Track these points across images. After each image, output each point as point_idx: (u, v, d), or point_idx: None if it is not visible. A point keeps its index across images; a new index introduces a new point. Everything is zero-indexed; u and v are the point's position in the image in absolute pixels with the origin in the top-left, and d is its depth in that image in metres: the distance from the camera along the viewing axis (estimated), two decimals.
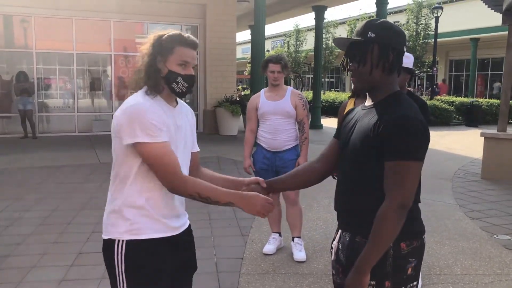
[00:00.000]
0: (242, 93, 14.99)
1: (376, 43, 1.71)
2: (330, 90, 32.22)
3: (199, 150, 2.19)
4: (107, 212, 1.95)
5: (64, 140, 11.44)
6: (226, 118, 12.97)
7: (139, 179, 1.87)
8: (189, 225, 2.09)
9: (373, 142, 1.66)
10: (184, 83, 1.90)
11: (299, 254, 4.09)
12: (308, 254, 4.18)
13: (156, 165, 1.80)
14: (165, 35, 1.91)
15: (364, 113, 1.79)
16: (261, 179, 2.07)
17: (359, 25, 1.79)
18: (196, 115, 14.00)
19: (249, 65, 19.91)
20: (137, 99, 1.86)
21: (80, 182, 6.95)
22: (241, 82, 31.47)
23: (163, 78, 1.89)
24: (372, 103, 1.78)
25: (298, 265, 3.98)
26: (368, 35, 1.72)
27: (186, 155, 2.03)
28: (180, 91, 1.91)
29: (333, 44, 25.78)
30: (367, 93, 1.82)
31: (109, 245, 1.90)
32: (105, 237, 1.93)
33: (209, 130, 13.40)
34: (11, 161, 8.69)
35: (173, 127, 1.90)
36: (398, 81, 3.52)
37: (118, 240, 1.87)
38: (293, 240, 4.22)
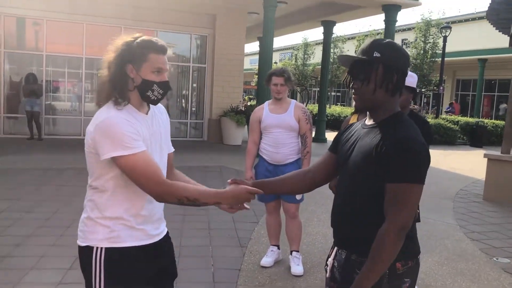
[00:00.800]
0: (248, 104, 15.05)
1: (381, 63, 1.72)
2: (336, 104, 32.30)
3: (173, 150, 2.16)
4: (84, 219, 1.92)
5: (69, 143, 11.50)
6: (231, 128, 13.01)
7: (118, 192, 1.85)
8: (167, 232, 2.09)
9: (374, 163, 1.67)
10: (159, 90, 1.86)
11: (297, 268, 4.09)
12: (306, 269, 4.17)
13: (138, 177, 1.76)
14: (135, 42, 1.84)
15: (365, 132, 1.79)
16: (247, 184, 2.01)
17: (365, 43, 1.79)
18: (201, 124, 14.07)
19: (256, 76, 20.01)
20: (108, 112, 1.80)
21: (82, 186, 6.88)
22: (245, 93, 31.60)
23: (137, 87, 1.84)
24: (374, 122, 1.79)
25: (295, 279, 3.98)
26: (374, 55, 1.72)
27: (163, 158, 2.01)
28: (155, 98, 1.87)
29: None
30: (368, 112, 1.84)
31: (86, 252, 1.88)
32: (82, 243, 1.90)
33: (213, 139, 13.44)
34: (15, 161, 8.75)
35: (148, 134, 1.88)
36: (401, 100, 3.56)
37: (97, 248, 1.86)
38: (291, 253, 4.22)
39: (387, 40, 1.80)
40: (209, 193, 1.85)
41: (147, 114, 1.93)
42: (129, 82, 1.86)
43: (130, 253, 1.88)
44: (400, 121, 1.73)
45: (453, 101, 26.98)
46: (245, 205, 1.94)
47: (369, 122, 1.82)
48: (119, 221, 1.86)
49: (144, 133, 1.86)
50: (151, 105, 1.98)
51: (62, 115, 13.16)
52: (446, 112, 23.58)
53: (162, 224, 2.05)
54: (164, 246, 2.05)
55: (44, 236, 4.69)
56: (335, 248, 1.89)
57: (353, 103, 1.85)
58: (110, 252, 1.86)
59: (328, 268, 1.91)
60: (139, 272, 1.90)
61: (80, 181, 7.60)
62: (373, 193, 1.69)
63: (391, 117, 1.76)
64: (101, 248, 1.86)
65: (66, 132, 12.71)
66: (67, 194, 6.38)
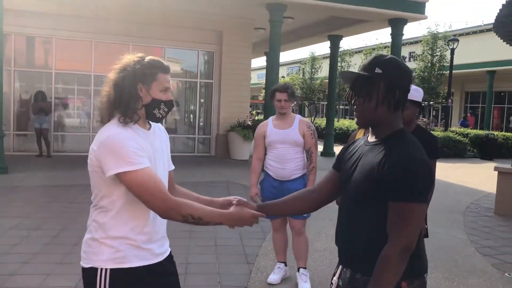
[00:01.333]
0: (256, 118, 15.07)
1: (383, 79, 1.71)
2: (345, 118, 32.26)
3: (174, 168, 2.16)
4: (87, 239, 1.91)
5: (78, 160, 11.51)
6: (238, 142, 13.02)
7: (123, 210, 1.84)
8: (170, 252, 2.09)
9: (378, 181, 1.64)
10: (165, 108, 1.91)
11: (304, 285, 4.04)
12: (313, 285, 4.11)
13: (143, 193, 1.76)
14: (145, 61, 1.87)
15: (367, 149, 1.77)
16: (244, 200, 2.03)
17: (366, 60, 1.78)
18: (209, 139, 14.10)
19: (264, 90, 20.07)
20: (112, 129, 1.82)
21: (89, 203, 6.90)
22: (251, 107, 31.70)
23: (145, 106, 1.87)
24: (376, 139, 1.77)
25: None
26: (376, 71, 1.71)
27: (165, 175, 2.02)
28: (160, 116, 1.91)
29: None
30: (370, 129, 1.82)
31: (90, 273, 1.86)
32: (86, 265, 1.88)
33: (220, 154, 13.45)
34: (24, 178, 8.81)
35: (151, 150, 1.89)
36: (407, 115, 3.54)
37: (101, 269, 1.84)
38: (298, 270, 4.17)
39: (389, 56, 1.79)
40: (214, 213, 1.86)
41: (149, 130, 1.95)
42: (138, 101, 1.88)
43: (136, 274, 1.86)
44: (403, 138, 1.71)
45: (468, 114, 26.69)
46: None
47: (371, 139, 1.81)
48: (125, 241, 1.85)
49: (148, 149, 1.87)
50: (152, 124, 1.99)
51: (71, 132, 13.26)
52: (462, 126, 23.19)
53: (166, 243, 2.05)
54: (167, 265, 2.03)
55: (50, 254, 4.69)
56: (340, 267, 1.87)
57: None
58: (115, 273, 1.84)
59: (333, 287, 1.89)
60: None
61: (88, 198, 7.53)
62: (376, 212, 1.67)
63: (394, 134, 1.74)
64: (106, 269, 1.84)
65: (75, 149, 12.78)
66: (74, 211, 6.39)
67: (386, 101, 1.71)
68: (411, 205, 1.59)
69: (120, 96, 1.85)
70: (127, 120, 1.84)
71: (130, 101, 1.85)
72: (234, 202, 1.98)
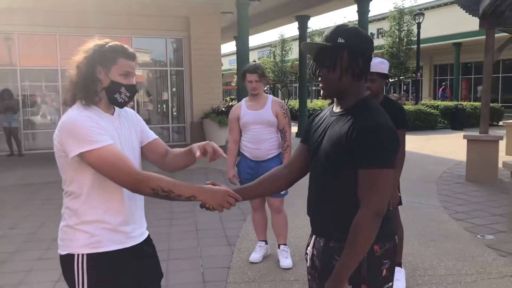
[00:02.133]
0: (230, 104, 15.05)
1: (346, 49, 1.72)
2: (318, 98, 32.45)
3: (157, 137, 2.15)
4: (62, 227, 1.91)
5: (50, 157, 11.21)
6: (213, 129, 13.00)
7: (94, 194, 1.84)
8: (148, 235, 2.09)
9: (345, 150, 1.67)
10: (126, 93, 1.90)
11: (285, 261, 4.12)
12: (295, 261, 4.20)
13: (109, 170, 1.75)
14: (107, 46, 1.89)
15: (334, 119, 1.79)
16: (230, 191, 1.93)
17: (328, 30, 1.78)
18: (183, 127, 14.02)
19: (236, 76, 20.01)
20: (71, 112, 1.84)
21: None
22: (227, 93, 31.51)
23: (105, 88, 1.88)
24: (342, 109, 1.79)
25: (284, 272, 4.00)
26: (338, 41, 1.72)
27: (136, 158, 2.00)
28: (122, 101, 1.91)
29: None
30: (335, 99, 1.85)
31: (67, 260, 1.87)
32: (62, 252, 1.89)
33: (196, 142, 13.08)
34: None
35: (116, 135, 1.89)
36: (375, 87, 3.60)
37: (78, 254, 1.85)
38: (279, 247, 4.24)
39: (350, 25, 1.81)
40: (184, 185, 1.83)
41: (113, 115, 1.95)
42: (97, 83, 1.88)
43: (112, 257, 1.87)
44: (368, 106, 1.74)
45: (444, 85, 26.18)
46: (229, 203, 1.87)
47: (337, 109, 1.83)
48: (99, 225, 1.85)
49: (111, 130, 1.86)
50: (117, 108, 1.99)
51: (41, 129, 12.98)
52: (442, 99, 23.01)
53: (143, 226, 2.05)
54: (146, 248, 2.04)
55: (30, 251, 4.64)
56: (313, 236, 1.90)
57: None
58: (92, 258, 1.85)
59: (308, 257, 1.92)
60: (122, 276, 1.90)
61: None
62: (346, 180, 1.70)
63: (359, 102, 1.76)
64: (82, 254, 1.85)
65: (47, 146, 12.48)
66: (52, 208, 6.31)
67: (350, 70, 1.73)
68: (380, 171, 1.63)
69: (79, 78, 1.87)
70: (87, 102, 1.85)
71: (89, 83, 1.86)
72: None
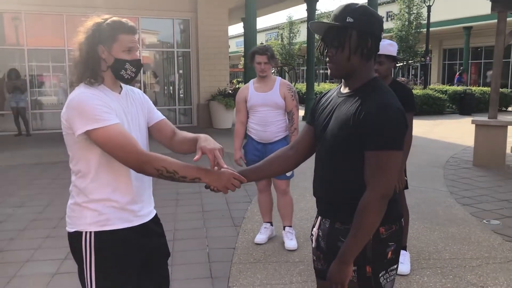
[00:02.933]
0: (237, 86, 14.99)
1: (355, 28, 1.69)
2: (325, 82, 32.24)
3: (164, 117, 2.14)
4: (70, 205, 1.92)
5: (58, 137, 11.34)
6: (220, 111, 12.99)
7: (101, 172, 1.84)
8: (156, 214, 2.10)
9: (353, 131, 1.65)
10: (132, 69, 1.89)
11: (290, 242, 4.14)
12: (299, 243, 4.22)
13: (114, 149, 1.75)
14: (105, 24, 1.86)
15: (341, 100, 1.77)
16: (235, 172, 1.93)
17: (337, 9, 1.74)
18: (190, 109, 14.01)
19: (243, 58, 19.89)
20: (77, 90, 1.83)
21: None
22: (233, 76, 31.31)
23: (110, 67, 1.87)
24: (349, 90, 1.77)
25: (289, 254, 4.03)
26: (347, 20, 1.69)
27: (144, 138, 2.00)
28: (129, 77, 1.89)
29: None
30: (343, 80, 1.82)
31: (75, 237, 1.88)
32: (70, 229, 1.90)
33: (203, 124, 13.41)
34: (5, 158, 8.69)
35: (123, 113, 1.89)
36: (383, 69, 3.56)
37: (86, 232, 1.86)
38: (284, 229, 4.26)
39: (360, 4, 1.77)
40: (189, 167, 1.82)
41: (120, 94, 1.94)
42: (101, 62, 1.88)
43: (120, 235, 1.88)
44: (376, 87, 1.72)
45: (461, 70, 24.97)
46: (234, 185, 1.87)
47: (344, 90, 1.80)
48: (107, 203, 1.86)
49: (118, 110, 1.86)
50: (124, 87, 1.99)
51: (48, 109, 13.03)
52: (458, 84, 22.37)
53: (150, 205, 2.06)
54: (153, 227, 2.06)
55: (38, 229, 4.70)
56: (319, 218, 1.90)
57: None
58: (100, 236, 1.86)
59: (314, 238, 1.92)
60: (130, 254, 1.91)
61: (70, 173, 7.58)
62: (352, 162, 1.69)
63: (367, 83, 1.74)
64: (90, 232, 1.86)
65: (54, 126, 12.58)
66: (59, 187, 6.37)
67: (358, 51, 1.70)
68: (388, 153, 1.61)
69: (82, 59, 1.86)
70: (92, 81, 1.85)
71: (92, 63, 1.85)
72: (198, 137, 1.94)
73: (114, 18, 1.89)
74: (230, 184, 1.86)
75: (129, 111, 1.93)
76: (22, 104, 11.49)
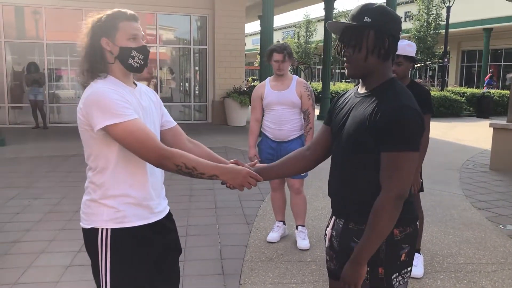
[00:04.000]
0: (252, 84, 15.00)
1: (372, 28, 1.68)
2: (341, 81, 32.08)
3: (176, 123, 2.14)
4: (86, 201, 1.91)
5: (74, 130, 11.40)
6: (234, 108, 13.00)
7: (119, 168, 1.84)
8: (169, 210, 2.10)
9: (369, 131, 1.65)
10: (139, 56, 1.87)
11: (303, 242, 4.13)
12: (312, 243, 4.21)
13: (134, 144, 1.74)
14: (104, 16, 1.86)
15: (358, 100, 1.76)
16: (249, 167, 2.01)
17: (354, 9, 1.73)
18: (205, 106, 14.05)
19: (259, 56, 19.88)
20: (95, 85, 1.82)
21: None
22: (249, 74, 31.30)
23: (117, 57, 1.85)
24: (367, 90, 1.76)
25: (302, 253, 4.02)
26: (364, 20, 1.68)
27: (157, 134, 2.01)
28: (138, 65, 1.88)
29: None
30: (360, 80, 1.81)
31: (91, 234, 1.87)
32: (86, 226, 1.89)
33: (217, 121, 13.44)
34: (22, 150, 8.82)
35: (139, 107, 1.88)
36: (401, 70, 3.53)
37: (102, 229, 1.85)
38: (297, 228, 4.25)
39: (378, 4, 1.76)
40: (208, 164, 1.83)
41: (134, 88, 1.94)
42: (107, 55, 1.87)
43: (136, 233, 1.88)
44: (394, 88, 1.70)
45: (491, 72, 24.41)
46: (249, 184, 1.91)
47: (361, 90, 1.79)
48: (124, 199, 1.85)
49: (135, 105, 1.85)
50: (138, 84, 1.98)
51: (66, 103, 13.19)
52: (488, 87, 21.67)
53: (164, 201, 2.07)
54: (167, 223, 2.06)
55: (53, 221, 4.76)
56: (333, 218, 1.89)
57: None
58: (116, 233, 1.85)
59: (327, 238, 1.92)
60: (145, 251, 1.91)
61: (86, 166, 7.67)
62: (368, 162, 1.68)
63: (384, 84, 1.72)
64: (107, 229, 1.85)
65: (71, 120, 12.74)
66: (74, 180, 6.45)
67: (376, 51, 1.69)
68: (404, 154, 1.60)
69: (88, 56, 1.87)
70: (101, 74, 1.85)
71: (97, 56, 1.85)
72: (231, 161, 1.99)
73: (114, 9, 1.88)
74: (246, 183, 1.89)
75: (143, 106, 1.93)
76: (40, 97, 11.65)
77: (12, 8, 12.44)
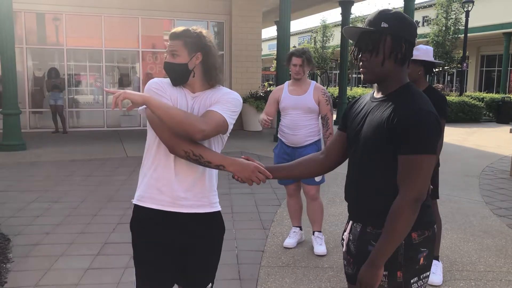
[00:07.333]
0: (268, 89, 15.03)
1: (389, 33, 1.69)
2: (358, 86, 31.90)
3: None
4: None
5: (93, 135, 11.73)
6: (251, 114, 13.03)
7: (152, 151, 2.01)
8: (200, 213, 2.06)
9: (386, 135, 1.66)
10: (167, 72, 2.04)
11: (320, 248, 4.11)
12: (329, 249, 4.19)
13: (154, 127, 1.94)
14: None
15: (375, 105, 1.77)
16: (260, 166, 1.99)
17: (371, 14, 1.75)
18: None
19: (275, 61, 19.90)
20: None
21: (107, 175, 7.13)
22: (265, 80, 31.32)
23: None
24: (383, 95, 1.77)
25: (318, 259, 4.00)
26: (381, 25, 1.70)
27: None
28: (170, 78, 2.04)
29: None
30: (376, 85, 1.81)
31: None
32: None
33: (234, 126, 13.39)
34: (42, 154, 8.97)
35: (184, 106, 2.00)
36: (417, 75, 3.49)
37: (133, 203, 2.10)
38: (313, 234, 4.24)
39: (394, 10, 1.78)
40: (215, 154, 1.94)
41: (194, 93, 2.04)
42: None
43: (148, 214, 2.01)
44: (410, 92, 1.72)
45: None
46: (258, 178, 1.94)
47: (378, 95, 1.80)
48: (146, 180, 2.04)
49: (178, 100, 1.99)
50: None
51: (85, 108, 13.39)
52: None
53: (197, 200, 2.04)
54: (191, 222, 2.03)
55: (72, 225, 4.83)
56: (350, 222, 1.90)
57: (375, 84, 1.81)
58: (136, 209, 2.05)
59: (344, 242, 1.92)
60: (154, 236, 2.02)
61: (106, 171, 7.78)
62: (386, 166, 1.69)
63: (401, 88, 1.74)
64: (134, 204, 2.08)
65: (90, 125, 12.94)
66: (93, 184, 6.53)
67: (393, 56, 1.71)
68: (421, 157, 1.61)
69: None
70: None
71: None
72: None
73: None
74: (255, 177, 1.94)
75: (191, 108, 2.01)
76: (60, 102, 11.85)
77: (33, 15, 12.70)
